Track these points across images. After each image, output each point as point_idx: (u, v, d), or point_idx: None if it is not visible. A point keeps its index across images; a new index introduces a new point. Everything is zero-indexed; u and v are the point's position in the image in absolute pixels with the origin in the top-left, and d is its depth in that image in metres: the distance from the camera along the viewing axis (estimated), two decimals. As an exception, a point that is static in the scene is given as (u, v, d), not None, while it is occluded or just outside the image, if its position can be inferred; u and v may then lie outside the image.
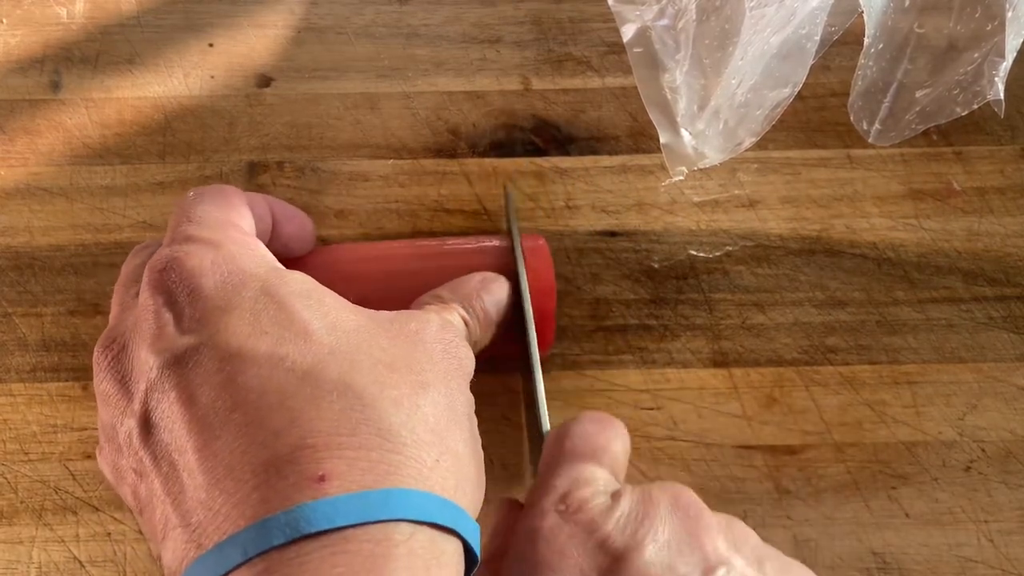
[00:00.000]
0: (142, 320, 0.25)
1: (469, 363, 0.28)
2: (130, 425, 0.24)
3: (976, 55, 0.36)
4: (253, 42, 0.40)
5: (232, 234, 0.26)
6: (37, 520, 0.33)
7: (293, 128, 0.39)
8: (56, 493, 0.33)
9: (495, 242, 0.34)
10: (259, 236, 0.29)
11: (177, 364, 0.23)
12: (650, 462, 0.34)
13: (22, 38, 0.40)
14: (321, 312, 0.25)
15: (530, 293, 0.32)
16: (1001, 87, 0.34)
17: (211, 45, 0.40)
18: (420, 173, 0.38)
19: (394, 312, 0.27)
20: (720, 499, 0.33)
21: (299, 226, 0.32)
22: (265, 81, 0.39)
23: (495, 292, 0.30)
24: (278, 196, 0.37)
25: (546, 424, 0.30)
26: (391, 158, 0.38)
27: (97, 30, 0.40)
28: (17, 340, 0.35)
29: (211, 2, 0.41)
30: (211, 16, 0.41)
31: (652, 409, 0.35)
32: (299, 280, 0.26)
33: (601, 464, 0.27)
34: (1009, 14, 0.34)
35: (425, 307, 0.28)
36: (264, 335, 0.23)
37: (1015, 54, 0.34)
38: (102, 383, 0.25)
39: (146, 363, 0.24)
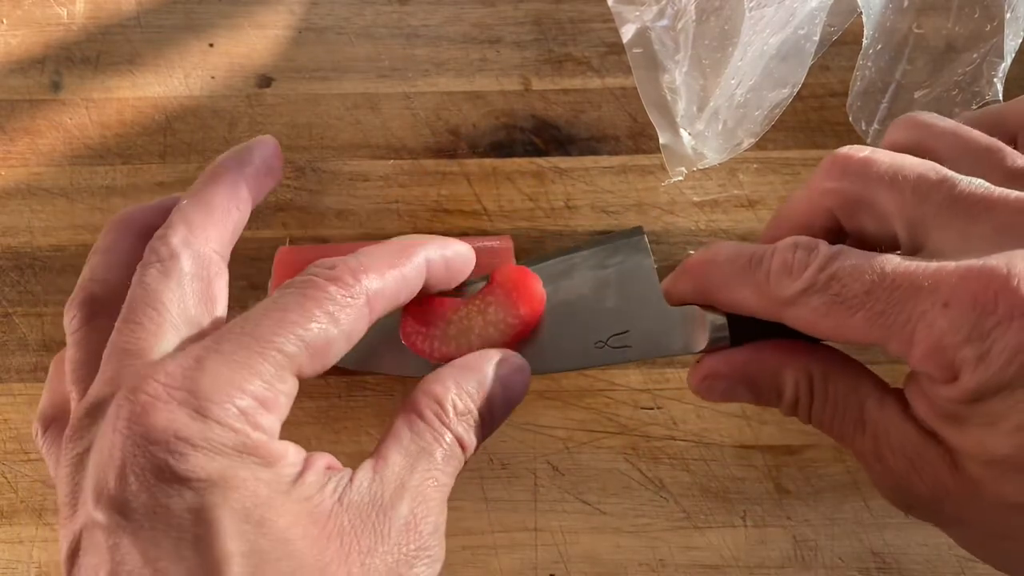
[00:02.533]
0: (104, 457, 0.23)
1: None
2: (66, 538, 0.23)
3: (975, 56, 0.36)
4: (253, 42, 0.40)
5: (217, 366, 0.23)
6: (37, 519, 0.33)
7: (293, 128, 0.39)
8: (56, 492, 0.33)
9: (495, 242, 0.34)
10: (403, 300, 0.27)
11: (109, 533, 0.22)
12: (650, 462, 0.34)
13: (23, 38, 0.40)
14: (254, 538, 0.22)
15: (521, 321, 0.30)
16: (1000, 88, 0.34)
17: (211, 45, 0.40)
18: (420, 173, 0.38)
19: (362, 509, 0.24)
20: (720, 499, 0.34)
21: (458, 270, 0.29)
22: (265, 81, 0.39)
23: (516, 387, 0.28)
24: (278, 196, 0.37)
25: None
26: (391, 158, 0.38)
27: (97, 30, 0.40)
28: (18, 340, 0.35)
29: (211, 2, 0.41)
30: (211, 16, 0.41)
31: (652, 409, 0.35)
32: (251, 491, 0.23)
33: None
34: (1008, 15, 0.34)
35: (418, 432, 0.26)
36: (182, 561, 0.22)
37: (1014, 55, 0.34)
38: (60, 468, 0.25)
39: (89, 506, 0.23)
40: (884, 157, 0.26)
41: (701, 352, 0.29)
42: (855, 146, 0.27)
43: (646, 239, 0.30)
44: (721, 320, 0.28)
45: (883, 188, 0.25)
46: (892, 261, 0.24)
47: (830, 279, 0.24)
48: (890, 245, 0.26)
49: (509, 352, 0.28)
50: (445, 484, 0.26)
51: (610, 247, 0.30)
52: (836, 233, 0.27)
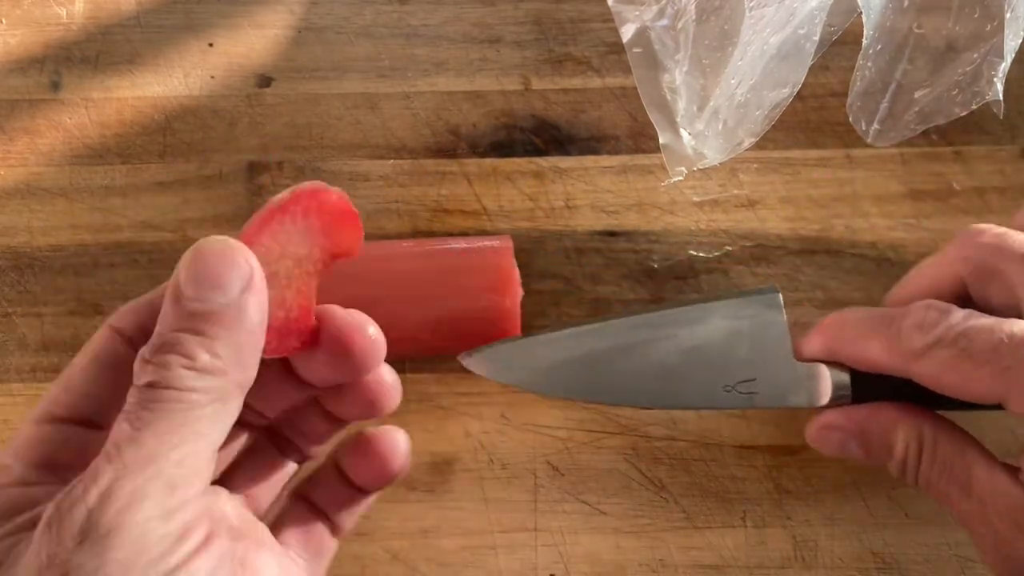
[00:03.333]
0: None
1: None
2: None
3: (975, 55, 0.36)
4: (253, 42, 0.40)
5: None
6: (37, 520, 0.33)
7: (293, 128, 0.39)
8: None
9: (495, 242, 0.34)
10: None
11: None
12: (650, 462, 0.34)
13: (22, 38, 0.40)
14: None
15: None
16: (1000, 87, 0.34)
17: (211, 45, 0.40)
18: (420, 173, 0.38)
19: None
20: (720, 499, 0.34)
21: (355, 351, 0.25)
22: (265, 81, 0.39)
23: (209, 268, 0.22)
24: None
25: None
26: (391, 158, 0.38)
27: (97, 30, 0.40)
28: (17, 340, 0.35)
29: (211, 2, 0.41)
30: (211, 16, 0.41)
31: (652, 409, 0.35)
32: None
33: None
34: (1008, 15, 0.34)
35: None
36: None
37: (1014, 54, 0.34)
38: None
39: None
40: (1018, 234, 0.29)
41: (823, 407, 0.31)
42: (990, 224, 0.29)
43: (781, 298, 0.31)
44: (845, 378, 0.30)
45: (1014, 261, 0.28)
46: (1020, 324, 0.26)
47: (959, 335, 0.26)
48: (1015, 316, 0.28)
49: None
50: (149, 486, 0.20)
51: (745, 300, 0.32)
52: (963, 301, 0.29)
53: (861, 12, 0.35)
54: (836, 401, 0.30)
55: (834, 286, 0.36)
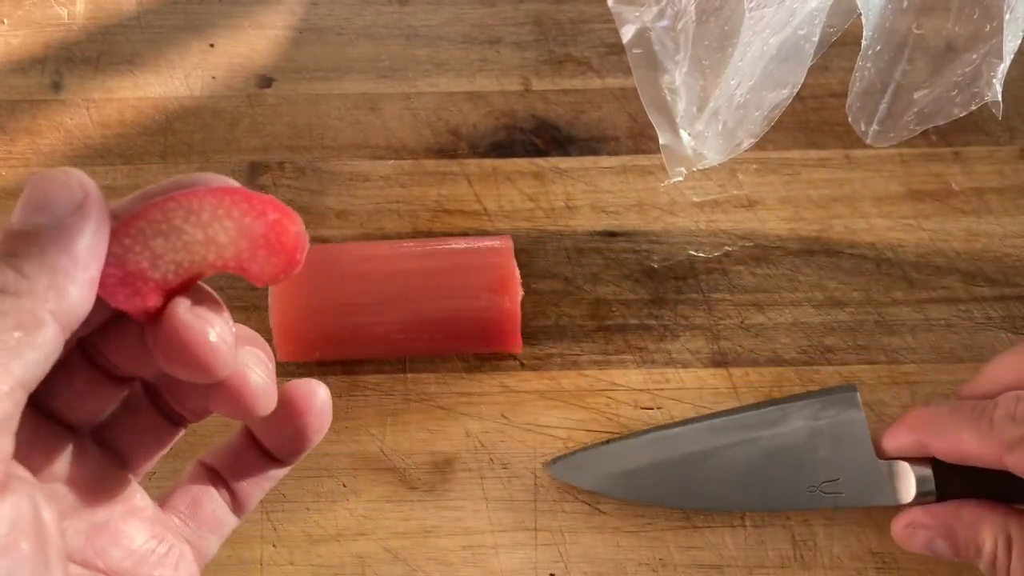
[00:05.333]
0: None
1: None
2: None
3: (974, 56, 0.36)
4: (254, 43, 0.40)
5: None
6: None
7: (294, 128, 0.39)
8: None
9: (495, 242, 0.34)
10: None
11: None
12: (650, 462, 0.34)
13: (23, 39, 0.40)
14: None
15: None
16: (999, 88, 0.34)
17: (212, 46, 0.40)
18: (420, 173, 0.38)
19: None
20: (719, 498, 0.34)
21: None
22: (266, 82, 0.40)
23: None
24: (279, 196, 0.37)
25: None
26: (392, 158, 0.38)
27: (98, 31, 0.40)
28: (18, 340, 0.35)
29: (212, 3, 0.41)
30: (212, 17, 0.41)
31: (652, 409, 0.35)
32: None
33: None
34: (1007, 16, 0.34)
35: None
36: None
37: (1013, 55, 0.34)
38: None
39: None
40: None
41: (908, 504, 0.31)
42: None
43: (859, 396, 0.32)
44: (928, 474, 0.31)
45: None
46: None
47: None
48: None
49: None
50: None
51: (824, 400, 0.32)
52: None
53: (861, 13, 0.35)
54: (921, 498, 0.31)
55: (833, 286, 0.36)
